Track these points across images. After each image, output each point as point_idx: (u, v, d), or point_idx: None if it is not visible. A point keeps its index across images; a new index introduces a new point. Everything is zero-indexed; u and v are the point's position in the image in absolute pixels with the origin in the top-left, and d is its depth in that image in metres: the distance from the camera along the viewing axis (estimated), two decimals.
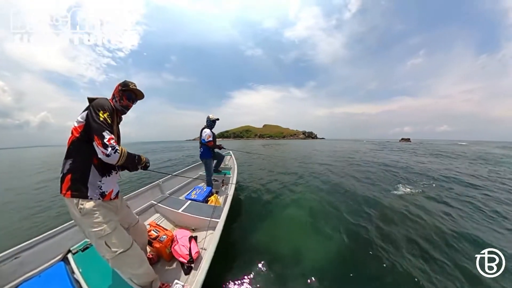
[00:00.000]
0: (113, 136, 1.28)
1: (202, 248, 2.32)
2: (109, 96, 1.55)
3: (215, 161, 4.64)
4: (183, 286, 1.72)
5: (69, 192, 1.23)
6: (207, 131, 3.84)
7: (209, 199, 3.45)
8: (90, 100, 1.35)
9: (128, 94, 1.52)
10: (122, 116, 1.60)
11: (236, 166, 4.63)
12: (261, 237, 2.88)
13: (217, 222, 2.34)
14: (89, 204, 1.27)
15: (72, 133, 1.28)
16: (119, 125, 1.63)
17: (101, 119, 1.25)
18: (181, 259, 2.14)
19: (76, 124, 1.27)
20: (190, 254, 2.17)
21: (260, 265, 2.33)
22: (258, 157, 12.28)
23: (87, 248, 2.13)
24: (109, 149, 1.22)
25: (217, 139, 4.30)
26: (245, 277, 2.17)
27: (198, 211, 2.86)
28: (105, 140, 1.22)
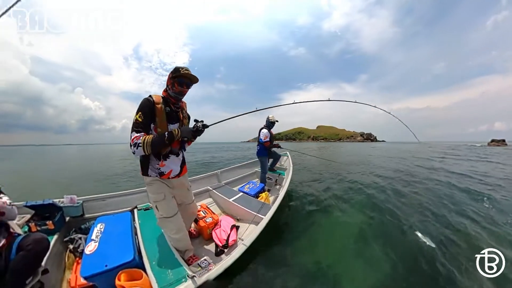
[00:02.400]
0: (137, 135, 1.44)
1: (240, 238, 2.37)
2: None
3: (271, 160, 4.75)
4: (209, 263, 1.80)
5: (141, 172, 1.71)
6: (264, 131, 4.10)
7: (260, 195, 3.51)
8: None
9: (179, 80, 1.57)
10: (181, 102, 1.73)
11: (291, 168, 4.58)
12: (300, 245, 2.62)
13: (262, 218, 2.35)
14: (148, 179, 1.69)
15: None
16: (182, 110, 1.76)
17: (133, 121, 1.49)
18: (218, 242, 2.25)
19: None
20: (227, 240, 2.24)
21: (288, 276, 2.10)
22: (311, 159, 11.77)
23: (148, 209, 2.65)
24: (132, 147, 1.44)
25: None
26: (270, 279, 2.03)
27: (247, 204, 2.96)
28: (130, 141, 1.45)
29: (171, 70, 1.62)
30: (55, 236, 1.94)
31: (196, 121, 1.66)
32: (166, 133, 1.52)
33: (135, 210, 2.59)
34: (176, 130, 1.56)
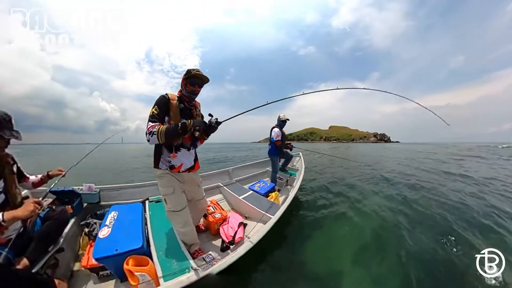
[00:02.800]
0: (153, 124, 1.57)
1: (246, 236, 2.39)
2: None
3: (282, 160, 4.74)
4: (214, 258, 1.84)
5: (153, 164, 1.82)
6: (276, 130, 4.10)
7: (270, 194, 3.51)
8: None
9: (190, 81, 1.72)
10: (194, 101, 1.87)
11: (303, 169, 4.53)
12: (306, 248, 2.59)
13: (270, 218, 2.36)
14: (158, 172, 1.79)
15: None
16: (196, 108, 1.92)
17: (150, 114, 1.63)
18: (224, 238, 2.29)
19: None
20: (233, 236, 2.27)
21: (291, 277, 2.10)
22: (324, 159, 11.49)
23: (159, 201, 2.77)
24: (147, 135, 1.56)
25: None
26: (272, 279, 2.05)
27: (257, 202, 2.98)
28: (146, 130, 1.57)
29: (184, 72, 1.76)
30: (73, 220, 2.12)
31: (210, 115, 1.72)
32: (180, 123, 1.61)
33: (147, 202, 2.73)
34: (189, 120, 1.63)
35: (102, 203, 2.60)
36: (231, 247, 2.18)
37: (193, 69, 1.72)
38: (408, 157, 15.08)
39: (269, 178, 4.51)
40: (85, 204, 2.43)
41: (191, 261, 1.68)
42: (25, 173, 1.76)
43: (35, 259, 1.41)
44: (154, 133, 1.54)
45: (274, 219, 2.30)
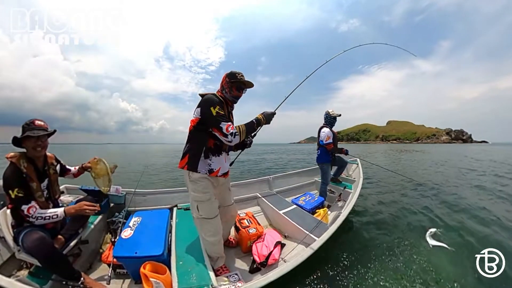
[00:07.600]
0: (229, 123, 1.73)
1: (282, 259, 2.33)
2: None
3: (335, 168, 4.43)
4: (239, 279, 1.85)
5: (186, 166, 1.89)
6: (325, 130, 3.88)
7: (317, 211, 3.36)
8: (202, 95, 1.89)
9: (237, 85, 1.90)
10: (234, 104, 2.05)
11: (361, 180, 4.15)
12: (355, 283, 2.33)
13: (315, 240, 2.25)
14: (195, 175, 1.87)
15: (190, 123, 1.90)
16: (232, 113, 2.09)
17: (214, 113, 1.73)
18: (256, 258, 2.26)
19: (193, 117, 1.87)
20: (267, 257, 2.23)
21: None
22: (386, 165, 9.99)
23: (188, 209, 2.93)
24: (229, 136, 1.71)
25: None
26: None
27: (300, 219, 2.89)
28: (224, 130, 1.70)
29: (227, 73, 1.91)
30: (100, 216, 2.50)
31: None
32: (254, 120, 1.91)
33: (175, 209, 2.94)
34: (261, 116, 1.94)
35: (129, 208, 2.89)
36: (262, 269, 2.15)
37: (237, 73, 1.88)
38: None
39: (317, 190, 4.32)
40: (111, 204, 2.84)
41: (213, 278, 1.70)
42: (67, 167, 2.25)
43: (68, 238, 1.87)
44: (236, 134, 1.74)
45: (319, 241, 2.19)
